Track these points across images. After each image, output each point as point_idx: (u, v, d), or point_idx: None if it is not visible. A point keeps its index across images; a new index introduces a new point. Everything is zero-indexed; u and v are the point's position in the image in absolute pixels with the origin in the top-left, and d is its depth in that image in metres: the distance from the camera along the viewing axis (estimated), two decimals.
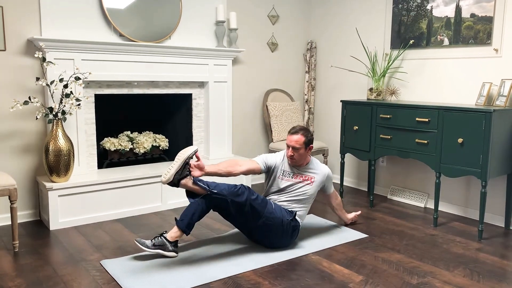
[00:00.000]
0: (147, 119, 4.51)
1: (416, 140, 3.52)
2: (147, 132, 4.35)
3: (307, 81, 5.01)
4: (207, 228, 3.34)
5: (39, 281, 2.47)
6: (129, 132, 4.26)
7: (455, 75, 3.76)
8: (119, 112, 4.29)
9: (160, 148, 4.31)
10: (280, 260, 2.77)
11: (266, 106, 4.59)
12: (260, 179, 4.68)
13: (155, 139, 4.29)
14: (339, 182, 4.29)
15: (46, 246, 2.98)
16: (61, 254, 2.86)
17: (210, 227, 3.36)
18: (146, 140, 4.19)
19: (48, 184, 3.27)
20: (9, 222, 3.34)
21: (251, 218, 2.79)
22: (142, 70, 3.84)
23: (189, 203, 2.77)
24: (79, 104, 3.32)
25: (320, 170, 3.09)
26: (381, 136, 3.79)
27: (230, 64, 4.36)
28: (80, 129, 3.58)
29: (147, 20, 3.87)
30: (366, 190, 4.53)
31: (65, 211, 3.33)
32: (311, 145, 3.02)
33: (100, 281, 2.47)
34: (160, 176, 3.73)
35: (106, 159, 4.07)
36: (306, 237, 3.15)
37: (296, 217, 2.96)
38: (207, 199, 2.72)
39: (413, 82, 4.07)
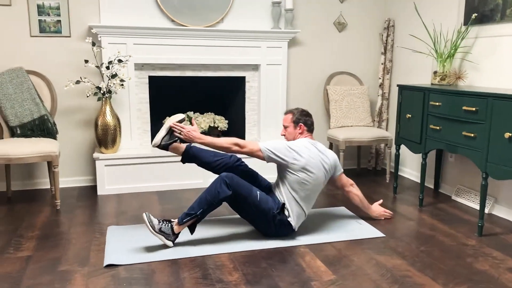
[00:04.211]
0: (211, 100, 4.71)
1: (463, 133, 2.98)
2: (209, 113, 4.55)
3: (382, 63, 4.58)
4: (222, 206, 3.38)
5: (49, 235, 2.87)
6: (191, 112, 4.52)
7: None
8: (186, 93, 4.56)
9: (219, 128, 4.47)
10: (265, 247, 2.69)
11: (326, 90, 4.36)
12: None
13: (214, 120, 4.47)
14: (394, 176, 3.88)
15: (83, 208, 3.41)
16: (88, 215, 3.25)
17: (225, 206, 3.40)
18: (204, 121, 4.39)
19: (95, 155, 3.72)
20: (71, 185, 3.95)
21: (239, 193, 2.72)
22: (194, 53, 4.02)
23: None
24: (122, 84, 3.67)
25: None
26: (431, 126, 3.30)
27: (286, 46, 4.25)
28: (133, 107, 3.95)
29: (198, 4, 4.01)
30: (432, 187, 4.00)
31: (110, 179, 3.75)
32: (301, 124, 2.92)
33: (94, 243, 2.76)
34: None
35: None
36: (313, 229, 2.97)
37: (285, 212, 2.78)
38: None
39: (484, 64, 3.41)
